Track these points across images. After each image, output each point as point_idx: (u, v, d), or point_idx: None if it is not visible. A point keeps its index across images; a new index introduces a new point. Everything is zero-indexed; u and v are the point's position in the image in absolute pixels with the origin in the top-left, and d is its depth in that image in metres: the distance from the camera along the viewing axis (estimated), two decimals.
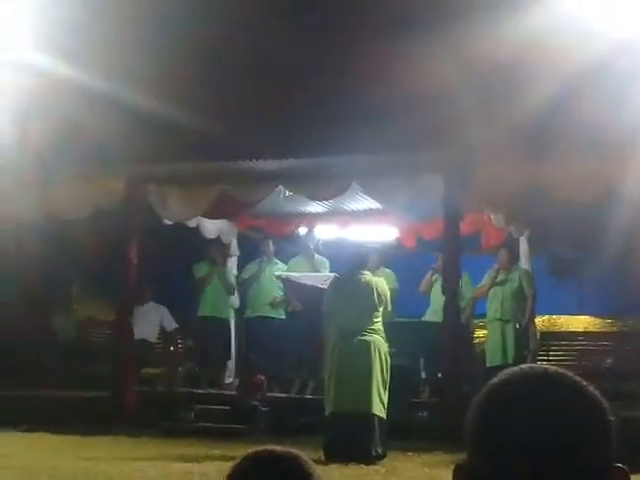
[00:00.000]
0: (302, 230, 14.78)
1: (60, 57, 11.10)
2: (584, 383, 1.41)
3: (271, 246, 13.90)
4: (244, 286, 13.88)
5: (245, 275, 13.89)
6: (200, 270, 13.81)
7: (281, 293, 13.53)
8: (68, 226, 12.59)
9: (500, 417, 1.37)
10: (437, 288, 12.17)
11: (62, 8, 10.78)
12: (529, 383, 1.39)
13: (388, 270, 13.07)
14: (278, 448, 1.93)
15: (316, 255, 13.63)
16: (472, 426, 1.41)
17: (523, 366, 1.45)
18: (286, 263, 13.85)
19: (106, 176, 12.25)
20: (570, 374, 1.43)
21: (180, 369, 14.22)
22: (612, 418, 1.39)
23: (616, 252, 10.69)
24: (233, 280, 14.17)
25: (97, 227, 12.44)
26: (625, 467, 1.39)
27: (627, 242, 10.25)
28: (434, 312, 12.38)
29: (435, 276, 12.57)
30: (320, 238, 14.22)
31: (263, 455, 1.90)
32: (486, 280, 12.47)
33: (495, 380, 1.43)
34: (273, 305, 13.59)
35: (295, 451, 1.92)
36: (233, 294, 14.05)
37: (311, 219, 14.59)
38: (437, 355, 11.68)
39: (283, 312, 13.70)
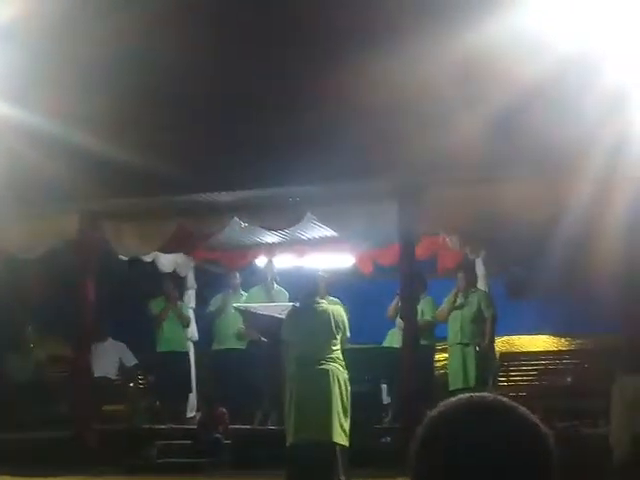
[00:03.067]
0: (260, 261, 14.77)
1: (6, 98, 11.06)
2: (522, 409, 1.42)
3: (238, 278, 13.92)
4: (210, 319, 13.86)
5: (211, 308, 13.87)
6: (155, 306, 13.84)
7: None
8: (22, 265, 12.49)
9: (442, 447, 1.38)
10: None
11: (7, 52, 10.77)
12: (467, 415, 1.40)
13: (334, 299, 13.06)
14: None
15: (275, 286, 13.64)
16: (414, 458, 1.42)
17: (461, 396, 1.46)
18: (245, 294, 13.86)
19: (59, 214, 12.18)
20: (507, 400, 1.44)
21: (141, 405, 14.12)
22: (551, 442, 1.41)
23: (571, 271, 10.76)
24: (190, 313, 14.15)
25: (52, 265, 12.35)
26: None
27: (581, 260, 10.32)
28: (396, 337, 12.38)
29: None
30: (276, 268, 14.23)
31: None
32: (445, 304, 12.51)
33: (434, 413, 1.43)
34: (239, 337, 13.58)
35: None
36: (188, 327, 14.06)
37: (268, 249, 14.59)
38: (398, 380, 11.69)
39: (245, 343, 13.70)
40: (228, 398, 12.79)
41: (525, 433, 1.39)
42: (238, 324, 13.54)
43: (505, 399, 1.45)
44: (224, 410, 12.29)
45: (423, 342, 11.94)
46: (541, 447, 1.39)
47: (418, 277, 11.96)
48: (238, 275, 14.00)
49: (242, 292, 13.91)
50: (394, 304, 12.85)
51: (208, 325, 14.08)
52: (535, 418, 1.43)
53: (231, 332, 13.64)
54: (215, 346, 13.92)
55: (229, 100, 11.37)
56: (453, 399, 1.46)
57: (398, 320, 12.65)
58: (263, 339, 12.89)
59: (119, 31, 10.56)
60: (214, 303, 13.93)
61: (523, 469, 1.35)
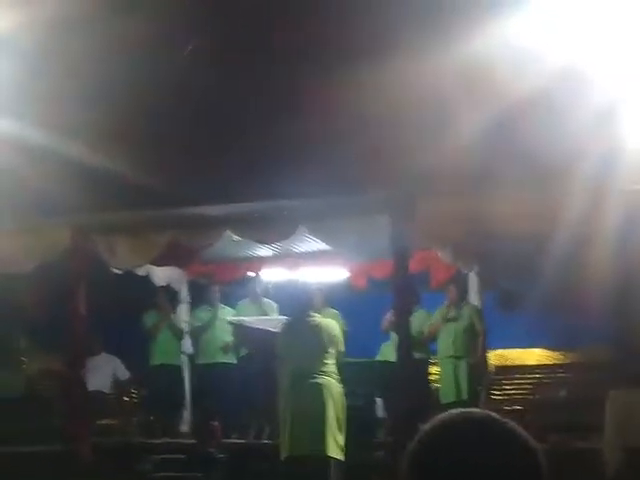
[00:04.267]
0: (250, 274, 14.78)
1: None
2: (511, 424, 1.42)
3: (218, 292, 13.90)
4: (195, 334, 13.84)
5: (197, 323, 13.85)
6: (149, 319, 13.84)
7: (231, 338, 13.51)
8: (14, 279, 12.46)
9: (432, 465, 1.38)
10: None
11: None
12: (457, 430, 1.40)
13: (333, 310, 13.11)
14: None
15: (264, 299, 13.66)
16: (407, 474, 1.42)
17: (451, 412, 1.46)
18: (234, 308, 13.86)
19: (50, 228, 12.18)
20: (496, 416, 1.44)
21: (135, 419, 14.10)
22: (541, 456, 1.41)
23: (564, 284, 10.77)
24: (184, 327, 14.14)
25: (44, 279, 12.32)
26: None
27: (574, 273, 10.34)
28: (391, 351, 12.39)
29: None
30: (269, 281, 14.24)
31: None
32: (437, 317, 12.52)
33: (425, 428, 1.44)
34: (225, 350, 13.56)
35: None
36: (183, 340, 14.05)
37: (261, 262, 14.59)
38: (393, 394, 11.69)
39: (234, 357, 13.68)
40: (220, 412, 12.78)
41: (515, 448, 1.40)
42: (223, 338, 13.55)
43: (495, 414, 1.45)
44: (216, 424, 12.27)
45: (417, 355, 11.95)
46: (531, 462, 1.40)
47: (411, 290, 11.97)
48: (217, 289, 13.98)
49: (222, 305, 13.88)
50: (389, 317, 12.85)
51: (194, 340, 14.08)
52: (525, 433, 1.43)
53: (216, 346, 13.62)
54: (200, 360, 13.90)
55: (221, 113, 11.38)
56: (444, 414, 1.46)
57: (392, 333, 12.67)
58: (252, 351, 12.94)
59: (111, 45, 10.56)
60: (197, 318, 13.92)
61: None
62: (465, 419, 1.43)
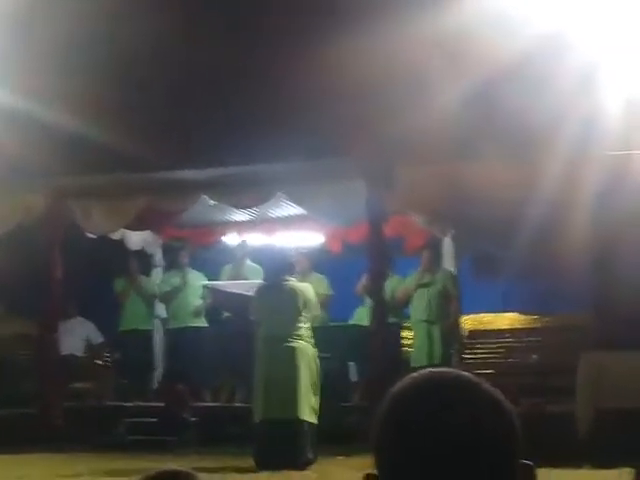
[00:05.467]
0: (230, 239, 14.72)
1: None
2: (484, 384, 1.42)
3: (187, 256, 13.85)
4: (166, 298, 13.81)
5: (166, 287, 13.82)
6: (118, 285, 13.83)
7: (201, 302, 13.50)
8: None
9: (403, 426, 1.37)
10: None
11: None
12: (428, 391, 1.40)
13: (319, 275, 13.11)
14: (176, 468, 2.02)
15: (248, 262, 13.56)
16: (377, 436, 1.41)
17: (422, 372, 1.45)
18: (210, 272, 13.82)
19: (25, 191, 12.11)
20: (469, 375, 1.44)
21: (108, 382, 14.10)
22: (515, 417, 1.41)
23: (538, 248, 10.81)
24: (156, 291, 14.09)
25: (18, 243, 12.26)
26: (530, 463, 1.41)
27: (549, 239, 10.37)
28: (363, 315, 12.43)
29: None
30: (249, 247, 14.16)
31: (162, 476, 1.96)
32: (410, 282, 12.54)
33: (395, 389, 1.43)
34: (196, 314, 13.55)
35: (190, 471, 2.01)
36: (153, 305, 14.03)
37: (237, 227, 14.55)
38: (366, 358, 11.73)
39: (206, 321, 13.68)
40: (191, 376, 12.80)
41: (489, 409, 1.39)
42: (194, 302, 13.53)
43: (468, 374, 1.45)
44: (183, 387, 12.27)
45: (391, 320, 12.00)
46: (505, 423, 1.39)
47: (385, 255, 11.97)
48: (186, 253, 13.92)
49: (192, 270, 13.82)
50: (363, 281, 12.87)
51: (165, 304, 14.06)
52: (499, 394, 1.43)
53: (187, 310, 13.61)
54: (171, 325, 13.90)
55: (198, 78, 11.32)
56: (414, 374, 1.45)
57: (366, 297, 12.70)
58: (227, 315, 12.94)
59: (90, 12, 10.48)
60: (168, 283, 13.89)
61: (487, 446, 1.35)
62: (436, 379, 1.42)
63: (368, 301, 12.24)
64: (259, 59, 11.02)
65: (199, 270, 13.95)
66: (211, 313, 13.70)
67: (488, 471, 1.35)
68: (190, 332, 13.48)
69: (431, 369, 1.46)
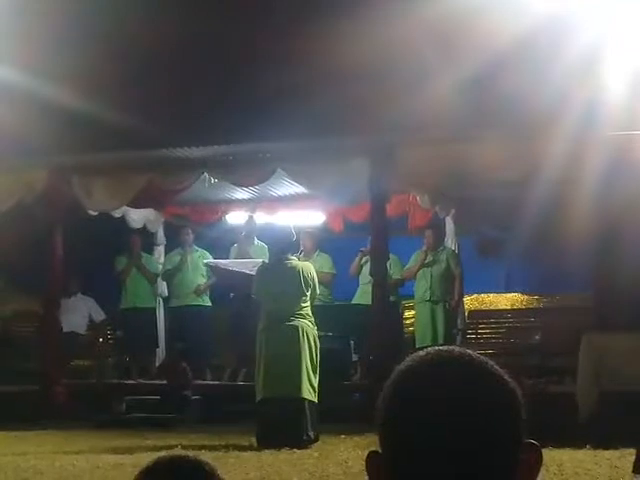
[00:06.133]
0: (232, 217, 14.67)
1: None
2: (490, 363, 1.41)
3: (191, 234, 13.79)
4: (167, 277, 13.79)
5: (168, 266, 13.78)
6: (119, 263, 13.78)
7: (204, 281, 13.48)
8: None
9: (410, 401, 1.37)
10: (366, 271, 12.23)
11: None
12: (435, 367, 1.39)
13: (324, 254, 13.10)
14: (185, 454, 2.02)
15: (255, 241, 13.45)
16: (383, 412, 1.41)
17: (428, 350, 1.45)
18: (210, 250, 13.78)
19: (27, 168, 12.10)
20: (474, 354, 1.43)
21: (110, 360, 14.13)
22: (519, 396, 1.40)
23: (541, 229, 10.80)
24: (158, 269, 14.06)
25: (20, 220, 12.26)
26: (536, 443, 1.40)
27: (551, 219, 10.36)
28: (363, 294, 12.43)
29: (365, 258, 12.57)
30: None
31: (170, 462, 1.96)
32: (414, 261, 12.54)
33: (401, 367, 1.42)
34: (198, 293, 13.53)
35: (200, 459, 1.97)
36: (155, 283, 14.00)
37: (238, 205, 14.52)
38: (367, 337, 11.75)
39: (208, 300, 13.65)
40: (192, 354, 12.79)
41: (495, 387, 1.38)
42: (196, 280, 13.50)
43: (473, 353, 1.44)
44: (184, 365, 12.27)
45: (390, 299, 12.01)
46: (512, 401, 1.38)
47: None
48: (190, 231, 13.86)
49: (196, 248, 13.77)
50: (356, 261, 12.88)
51: (167, 283, 14.03)
52: (504, 372, 1.42)
53: (189, 289, 13.58)
54: (173, 303, 13.87)
55: (201, 56, 11.28)
56: (420, 352, 1.44)
57: (362, 277, 12.71)
58: (229, 293, 12.94)
59: None
60: (170, 261, 13.86)
61: (493, 423, 1.35)
62: (443, 356, 1.42)
63: (364, 280, 12.31)
64: (263, 39, 10.98)
65: (205, 249, 13.90)
66: (216, 292, 13.67)
67: (494, 448, 1.34)
68: (191, 310, 13.47)
69: (437, 347, 1.45)
